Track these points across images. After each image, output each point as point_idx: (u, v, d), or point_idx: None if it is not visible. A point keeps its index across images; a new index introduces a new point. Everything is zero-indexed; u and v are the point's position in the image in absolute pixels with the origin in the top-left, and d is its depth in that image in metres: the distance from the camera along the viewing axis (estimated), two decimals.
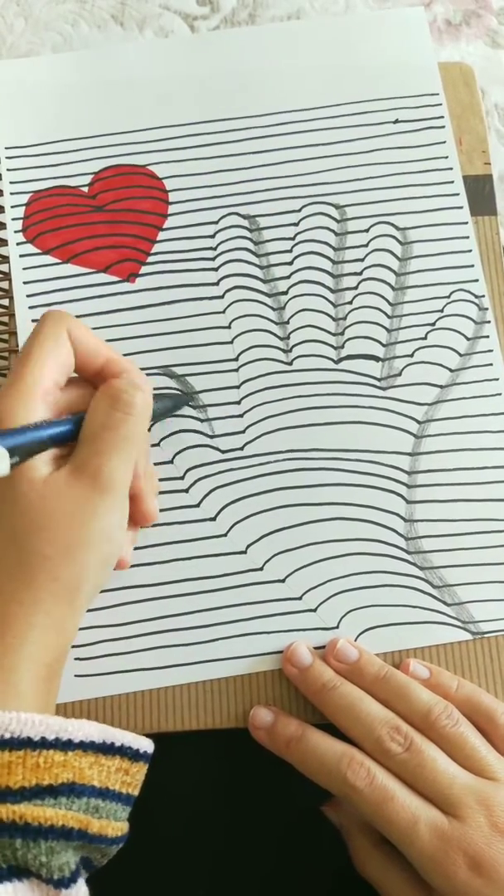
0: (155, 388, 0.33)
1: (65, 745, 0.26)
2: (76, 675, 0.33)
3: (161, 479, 0.35)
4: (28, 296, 0.37)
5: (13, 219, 0.38)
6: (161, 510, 0.35)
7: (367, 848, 0.31)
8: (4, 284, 0.38)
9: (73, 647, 0.33)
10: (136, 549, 0.34)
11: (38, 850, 0.25)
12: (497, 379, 0.37)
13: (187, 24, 0.50)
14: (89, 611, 0.33)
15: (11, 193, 0.39)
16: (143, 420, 0.30)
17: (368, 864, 0.30)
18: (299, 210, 0.39)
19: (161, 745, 0.30)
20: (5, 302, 0.38)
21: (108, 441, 0.29)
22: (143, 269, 0.38)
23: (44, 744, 0.26)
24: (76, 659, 0.33)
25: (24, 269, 0.38)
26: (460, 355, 0.37)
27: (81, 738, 0.27)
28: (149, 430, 0.32)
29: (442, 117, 0.40)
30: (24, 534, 0.28)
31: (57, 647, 0.28)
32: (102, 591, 0.34)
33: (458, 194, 0.39)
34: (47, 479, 0.28)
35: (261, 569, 0.34)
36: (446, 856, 0.27)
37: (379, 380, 0.37)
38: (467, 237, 0.39)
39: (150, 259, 0.38)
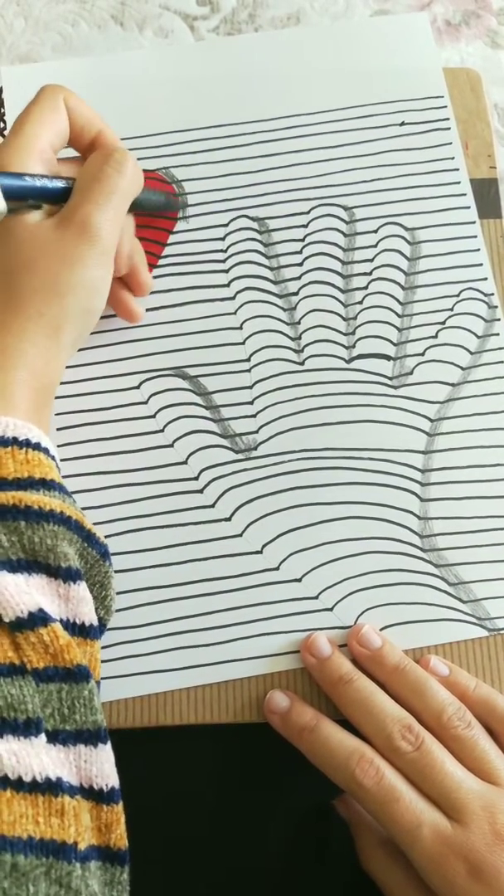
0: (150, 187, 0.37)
1: (45, 452, 0.30)
2: None
3: (175, 480, 0.37)
4: None
5: None
6: (176, 511, 0.36)
7: (372, 845, 0.32)
8: None
9: None
10: (151, 549, 0.36)
11: (43, 533, 0.28)
12: None
13: (187, 24, 0.52)
14: None
15: None
16: (131, 182, 0.34)
17: (373, 861, 0.32)
18: (308, 212, 0.41)
19: (169, 743, 0.32)
20: None
21: (97, 192, 0.32)
22: (155, 272, 0.40)
23: (29, 444, 0.29)
24: None
25: None
26: (471, 353, 0.39)
27: (53, 454, 0.31)
28: (129, 212, 0.35)
29: (447, 119, 0.42)
30: (15, 270, 0.31)
31: (45, 374, 0.32)
32: (118, 593, 0.35)
33: (465, 194, 0.41)
34: (39, 223, 0.32)
35: (277, 568, 0.36)
36: (447, 861, 0.29)
37: (390, 379, 0.39)
38: (475, 236, 0.41)
39: (162, 262, 0.40)
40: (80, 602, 0.28)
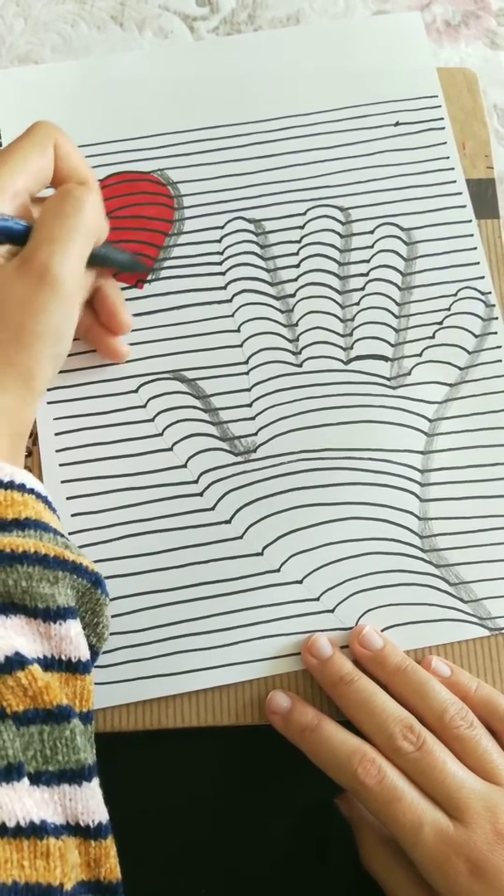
0: (116, 247, 0.37)
1: (20, 488, 0.29)
2: (94, 684, 0.35)
3: (175, 484, 0.37)
4: None
5: None
6: (176, 514, 0.37)
7: (374, 844, 0.32)
8: None
9: None
10: (151, 553, 0.36)
11: (18, 575, 0.27)
12: None
13: (187, 24, 0.52)
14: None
15: None
16: (91, 220, 0.33)
17: (374, 860, 0.32)
18: (304, 213, 0.41)
19: (171, 745, 0.33)
20: None
21: (55, 231, 0.32)
22: (151, 276, 0.40)
23: (1, 484, 0.29)
24: (94, 666, 0.35)
25: None
26: (469, 353, 0.40)
27: (32, 486, 0.30)
28: (90, 265, 0.34)
29: (442, 119, 0.43)
30: None
31: (20, 420, 0.32)
32: (118, 598, 0.35)
33: (460, 193, 0.42)
34: (1, 267, 0.32)
35: (278, 570, 0.36)
36: (448, 860, 0.29)
37: (389, 379, 0.39)
38: (471, 235, 0.41)
39: (158, 265, 0.40)
40: (64, 640, 0.28)
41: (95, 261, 0.34)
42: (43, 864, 0.24)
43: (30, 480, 0.30)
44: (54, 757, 0.26)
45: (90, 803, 0.26)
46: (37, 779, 0.26)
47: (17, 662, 0.26)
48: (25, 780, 0.25)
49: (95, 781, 0.27)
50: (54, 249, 0.31)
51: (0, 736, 0.25)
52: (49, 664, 0.28)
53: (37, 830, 0.24)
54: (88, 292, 0.36)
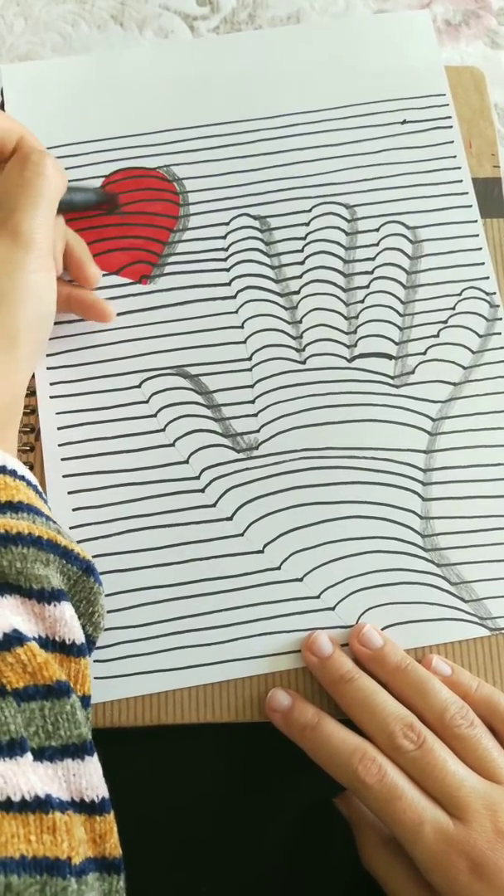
0: (78, 186, 0.38)
1: (12, 474, 0.29)
2: (94, 678, 0.34)
3: (176, 480, 0.37)
4: None
5: None
6: (177, 510, 0.36)
7: (374, 843, 0.32)
8: None
9: None
10: (152, 549, 0.36)
11: (12, 556, 0.27)
12: None
13: (187, 24, 0.52)
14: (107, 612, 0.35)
15: None
16: (53, 182, 0.34)
17: (374, 859, 0.32)
18: (310, 210, 0.41)
19: (170, 742, 0.33)
20: None
21: (22, 198, 0.33)
22: (156, 271, 0.40)
23: None
24: (94, 661, 0.34)
25: None
26: (473, 352, 0.39)
27: (23, 473, 0.30)
28: (60, 213, 0.35)
29: (449, 117, 0.43)
30: None
31: (5, 391, 0.32)
32: (119, 593, 0.35)
33: (466, 193, 0.42)
34: None
35: (278, 568, 0.36)
36: (448, 858, 0.29)
37: (392, 378, 0.39)
38: (477, 235, 0.41)
39: (163, 261, 0.40)
40: (58, 622, 0.28)
41: (62, 208, 0.35)
42: (50, 839, 0.24)
43: (20, 468, 0.30)
44: (56, 732, 0.26)
45: (93, 778, 0.26)
46: (40, 754, 0.26)
47: (15, 639, 0.26)
48: (29, 756, 0.25)
49: (95, 756, 0.27)
50: (23, 215, 0.33)
51: (2, 712, 0.25)
52: (43, 645, 0.28)
53: (42, 805, 0.24)
54: (63, 244, 0.37)
